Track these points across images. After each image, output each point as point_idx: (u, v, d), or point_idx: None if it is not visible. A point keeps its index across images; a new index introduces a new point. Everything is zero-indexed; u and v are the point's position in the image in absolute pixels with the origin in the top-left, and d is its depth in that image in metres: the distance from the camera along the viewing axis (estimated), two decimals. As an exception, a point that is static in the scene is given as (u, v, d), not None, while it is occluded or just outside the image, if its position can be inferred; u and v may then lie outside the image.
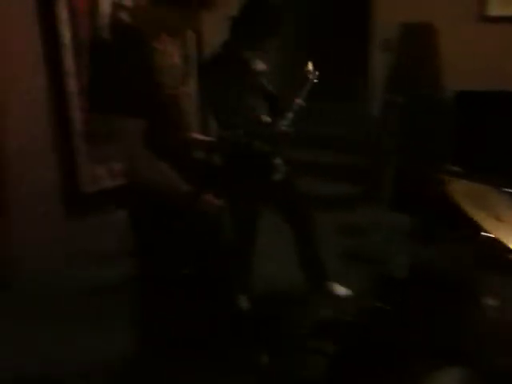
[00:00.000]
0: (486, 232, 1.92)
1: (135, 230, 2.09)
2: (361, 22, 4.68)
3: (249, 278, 2.99)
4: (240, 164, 2.47)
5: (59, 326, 2.90)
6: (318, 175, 4.20)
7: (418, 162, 3.46)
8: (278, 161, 2.62)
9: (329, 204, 4.00)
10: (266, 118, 2.73)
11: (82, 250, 3.51)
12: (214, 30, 2.85)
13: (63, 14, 3.31)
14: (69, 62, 3.40)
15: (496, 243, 1.82)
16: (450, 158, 3.68)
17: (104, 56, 1.92)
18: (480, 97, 3.82)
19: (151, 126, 1.88)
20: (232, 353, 2.31)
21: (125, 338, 2.22)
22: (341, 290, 3.15)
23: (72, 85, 3.43)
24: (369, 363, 1.83)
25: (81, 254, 3.50)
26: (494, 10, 4.09)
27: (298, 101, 2.64)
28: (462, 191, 2.16)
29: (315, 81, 2.66)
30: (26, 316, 3.02)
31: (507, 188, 2.87)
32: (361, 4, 4.70)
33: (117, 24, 1.97)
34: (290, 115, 2.62)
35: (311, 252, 3.13)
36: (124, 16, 2.01)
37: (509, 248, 1.76)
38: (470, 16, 4.18)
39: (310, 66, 2.64)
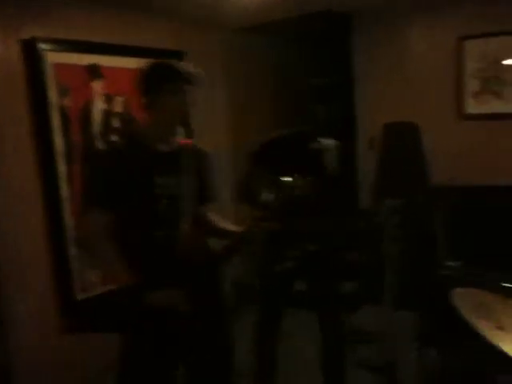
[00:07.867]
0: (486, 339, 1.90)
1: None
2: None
3: None
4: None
5: None
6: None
7: (420, 262, 3.47)
8: None
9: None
10: None
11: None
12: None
13: (55, 121, 3.42)
14: (61, 167, 3.47)
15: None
16: (449, 253, 3.67)
17: None
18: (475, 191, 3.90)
19: None
20: None
21: None
22: None
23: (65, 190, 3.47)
24: None
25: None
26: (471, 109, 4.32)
27: None
28: (464, 297, 2.16)
29: None
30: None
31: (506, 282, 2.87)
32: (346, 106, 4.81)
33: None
34: None
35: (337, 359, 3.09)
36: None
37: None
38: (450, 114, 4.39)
39: None
